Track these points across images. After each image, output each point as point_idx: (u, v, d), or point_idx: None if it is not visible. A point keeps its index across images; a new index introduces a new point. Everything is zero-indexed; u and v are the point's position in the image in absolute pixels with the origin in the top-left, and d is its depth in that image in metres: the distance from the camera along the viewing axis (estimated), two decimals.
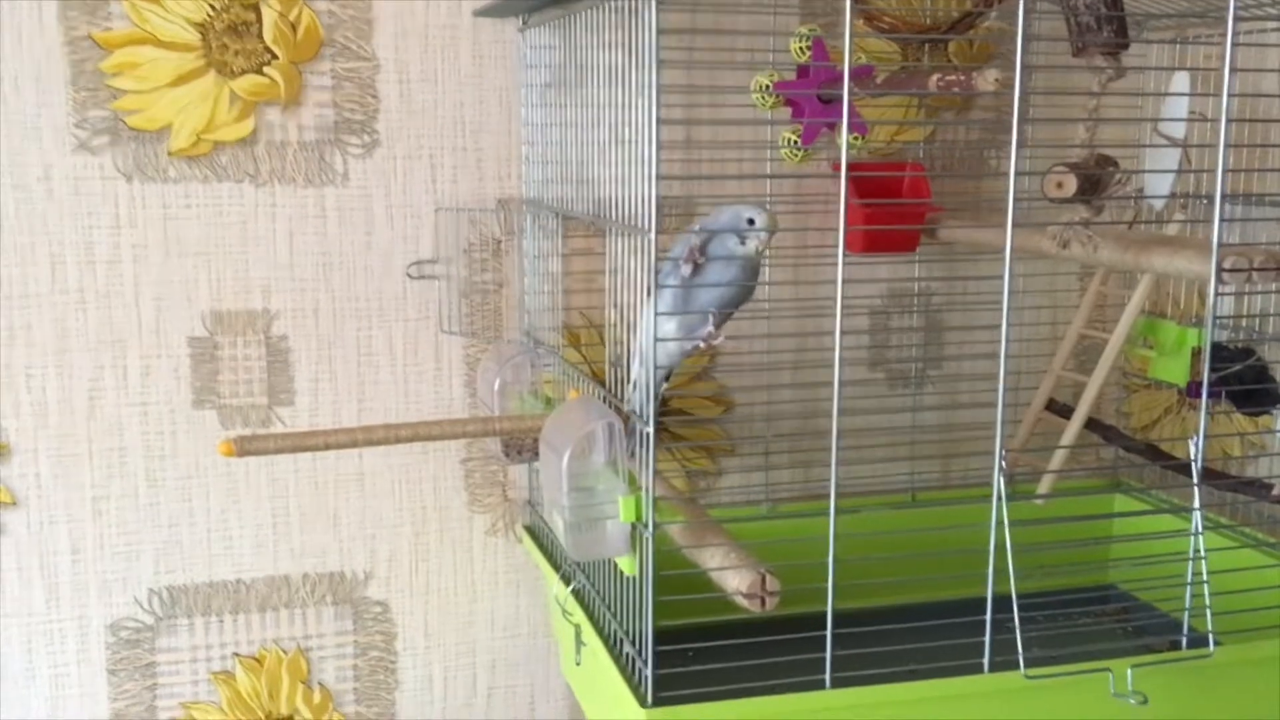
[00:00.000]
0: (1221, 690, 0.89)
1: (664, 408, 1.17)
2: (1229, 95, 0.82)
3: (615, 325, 0.89)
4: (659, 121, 0.75)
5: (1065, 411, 1.11)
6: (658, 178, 0.76)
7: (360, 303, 1.07)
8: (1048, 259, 1.21)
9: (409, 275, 1.08)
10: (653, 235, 0.77)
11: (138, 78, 1.00)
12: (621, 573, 0.86)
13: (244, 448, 0.85)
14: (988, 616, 0.83)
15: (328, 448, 0.89)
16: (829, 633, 0.82)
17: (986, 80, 0.78)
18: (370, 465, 1.09)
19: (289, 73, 1.03)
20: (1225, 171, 0.84)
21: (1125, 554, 1.13)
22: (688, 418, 1.18)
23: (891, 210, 1.12)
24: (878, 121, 1.18)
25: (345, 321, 1.07)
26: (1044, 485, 1.05)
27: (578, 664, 0.97)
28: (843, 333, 1.20)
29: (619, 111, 0.83)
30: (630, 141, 0.80)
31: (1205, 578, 0.84)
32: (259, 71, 1.02)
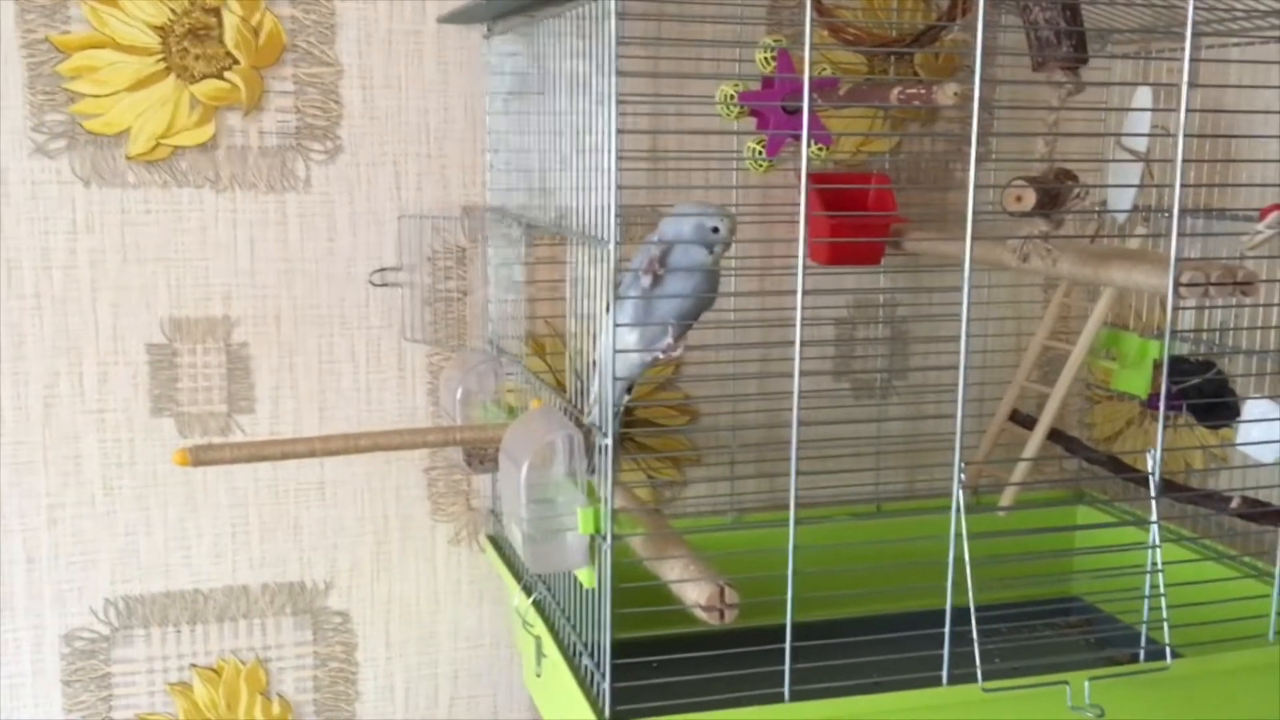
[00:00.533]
0: (1179, 703, 0.89)
1: (628, 417, 1.16)
2: (1187, 110, 0.83)
3: (577, 335, 0.88)
4: (618, 131, 0.74)
5: (1029, 423, 1.11)
6: (617, 188, 0.75)
7: (322, 310, 1.07)
8: (1012, 271, 1.21)
9: (372, 283, 1.07)
10: (612, 246, 0.77)
11: (96, 81, 0.99)
12: (581, 584, 0.85)
13: (199, 457, 0.84)
14: (946, 629, 0.83)
15: (285, 457, 0.88)
16: (788, 645, 0.81)
17: (946, 94, 0.78)
18: (332, 474, 1.08)
19: (250, 77, 1.02)
20: (1183, 186, 0.84)
21: (1088, 566, 1.14)
22: (652, 428, 1.18)
23: (856, 221, 1.12)
24: (843, 134, 1.18)
25: (307, 329, 1.06)
26: (1006, 497, 1.05)
27: (538, 675, 0.97)
28: (808, 343, 1.20)
29: (581, 120, 0.82)
30: (591, 151, 0.79)
31: (1163, 590, 0.85)
32: (220, 76, 1.01)
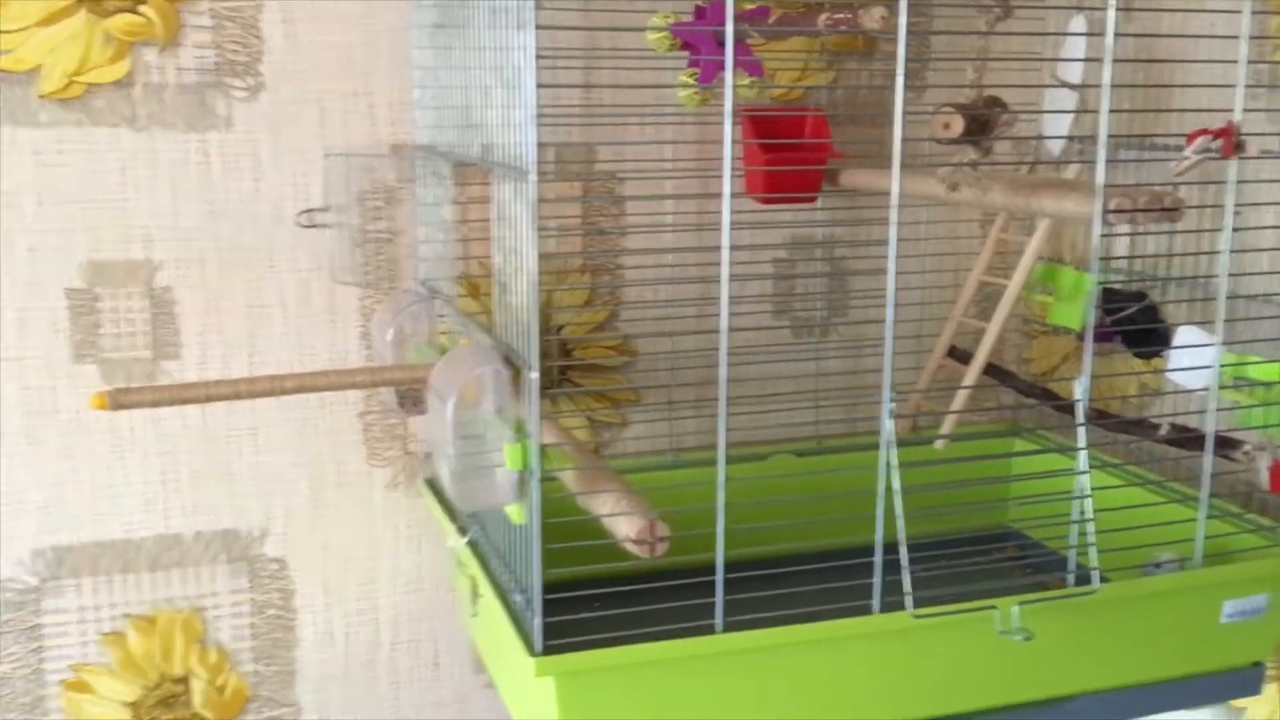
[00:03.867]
0: (1107, 626, 0.91)
1: (566, 358, 1.15)
2: (1116, 34, 0.82)
3: (503, 271, 0.87)
4: (537, 56, 0.73)
5: (967, 358, 1.11)
6: (537, 116, 0.74)
7: (248, 253, 1.04)
8: (949, 206, 1.21)
9: (299, 224, 1.05)
10: (533, 177, 0.75)
11: (4, 16, 0.95)
12: (513, 523, 0.85)
13: (119, 400, 0.82)
14: (877, 558, 0.84)
15: (208, 400, 0.86)
16: (719, 577, 0.81)
17: (872, 18, 0.77)
18: (264, 419, 1.07)
19: (166, 11, 0.99)
20: (1112, 112, 0.84)
21: (1022, 495, 1.15)
22: (589, 362, 1.17)
23: (792, 156, 1.11)
24: (778, 66, 1.16)
25: (233, 272, 1.04)
26: (944, 429, 1.06)
27: (474, 616, 0.96)
28: (744, 279, 1.20)
29: (503, 54, 0.80)
30: (513, 84, 0.78)
31: (1091, 516, 0.85)
32: (133, 10, 0.98)
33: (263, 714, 1.11)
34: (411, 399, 1.02)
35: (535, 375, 0.79)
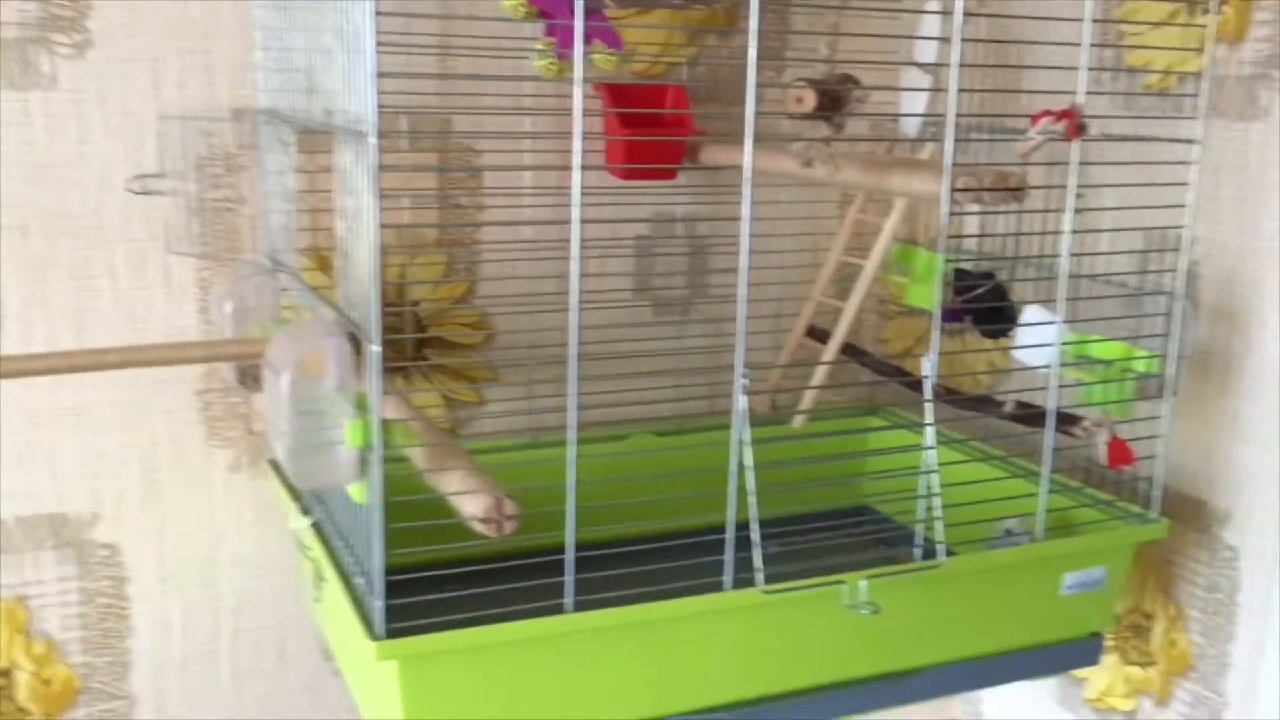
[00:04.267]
0: (953, 598, 0.92)
1: (421, 334, 1.12)
2: (965, 14, 0.83)
3: (343, 240, 0.83)
4: (377, 13, 0.70)
5: (826, 338, 1.12)
6: (377, 78, 0.71)
7: (75, 220, 0.98)
8: (810, 186, 1.21)
9: (131, 190, 0.99)
10: (373, 140, 0.72)
11: None
12: (357, 504, 0.81)
13: None
14: (729, 534, 0.83)
15: (22, 374, 0.80)
16: (569, 555, 0.80)
17: None
18: (91, 398, 1.01)
19: None
20: (961, 93, 0.85)
21: (876, 472, 1.16)
22: (444, 338, 1.14)
23: (652, 128, 1.09)
24: (639, 40, 1.15)
25: (59, 240, 0.98)
26: (802, 404, 1.06)
27: (318, 601, 0.93)
28: (597, 255, 1.19)
29: (344, 14, 0.77)
30: (354, 45, 0.74)
31: (937, 490, 0.87)
32: None
33: (95, 707, 1.05)
34: (252, 375, 0.97)
35: (376, 349, 0.76)
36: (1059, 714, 1.25)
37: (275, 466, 1.05)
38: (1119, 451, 0.93)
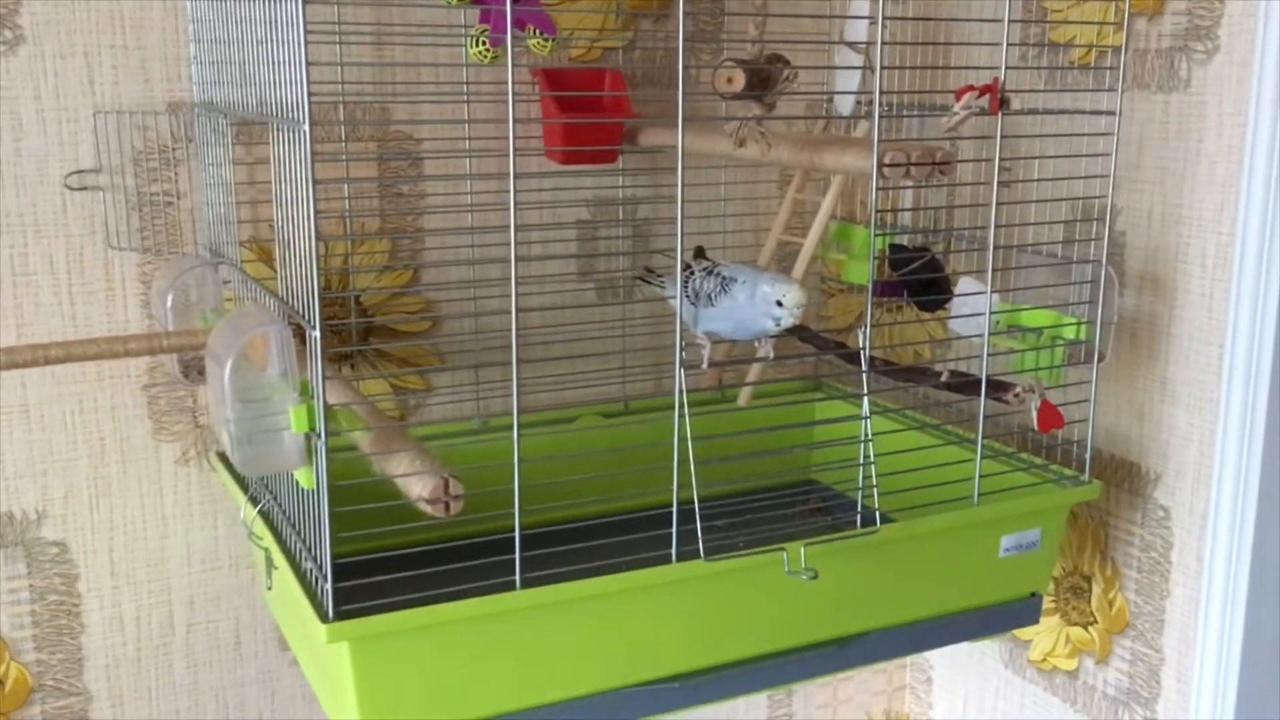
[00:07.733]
0: (891, 563, 0.94)
1: (366, 323, 1.13)
2: None
3: (282, 229, 0.84)
4: (306, 1, 0.70)
5: None
6: (307, 64, 0.71)
7: (12, 217, 0.98)
8: (749, 167, 1.23)
9: (68, 186, 0.99)
10: (306, 128, 0.73)
11: None
12: (305, 490, 0.82)
13: None
14: (673, 509, 0.85)
15: None
16: (518, 533, 0.81)
17: None
18: (37, 395, 1.00)
19: None
20: (888, 69, 0.87)
21: (822, 442, 1.18)
22: (388, 326, 1.14)
23: (589, 115, 1.11)
24: (575, 26, 1.16)
25: None
26: (749, 378, 1.08)
27: (269, 589, 0.93)
28: (550, 241, 1.20)
29: (276, 3, 0.77)
30: (285, 35, 0.75)
31: (873, 459, 0.89)
32: None
33: (49, 704, 1.05)
34: (196, 368, 0.97)
35: (317, 334, 0.76)
36: (1006, 676, 1.28)
37: (223, 458, 1.05)
38: (1049, 415, 0.96)
